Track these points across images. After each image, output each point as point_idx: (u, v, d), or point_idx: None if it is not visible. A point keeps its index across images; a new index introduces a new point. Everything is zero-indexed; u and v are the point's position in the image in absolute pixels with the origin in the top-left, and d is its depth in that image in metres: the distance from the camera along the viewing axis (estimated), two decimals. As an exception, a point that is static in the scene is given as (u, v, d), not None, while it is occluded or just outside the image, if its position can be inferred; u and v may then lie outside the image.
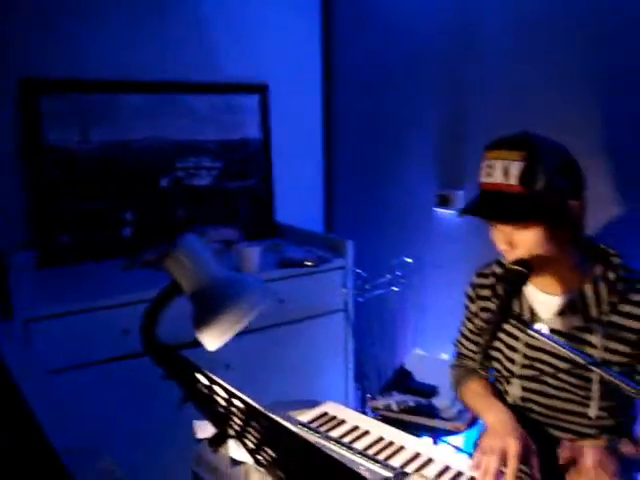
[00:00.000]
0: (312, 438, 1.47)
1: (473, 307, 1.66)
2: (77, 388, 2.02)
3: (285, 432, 0.87)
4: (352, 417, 1.60)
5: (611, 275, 1.40)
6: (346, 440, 1.47)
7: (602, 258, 1.43)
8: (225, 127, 2.82)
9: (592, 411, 1.42)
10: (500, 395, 1.59)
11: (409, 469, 1.35)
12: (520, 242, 1.35)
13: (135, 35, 2.55)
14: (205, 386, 1.06)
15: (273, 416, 0.89)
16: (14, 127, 2.39)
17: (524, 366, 1.49)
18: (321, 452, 0.80)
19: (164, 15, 2.60)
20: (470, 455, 1.43)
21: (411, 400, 2.28)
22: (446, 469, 1.36)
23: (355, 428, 1.54)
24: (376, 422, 1.59)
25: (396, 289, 2.61)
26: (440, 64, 2.55)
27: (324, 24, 3.04)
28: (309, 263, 2.45)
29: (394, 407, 2.25)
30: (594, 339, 1.39)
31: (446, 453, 1.44)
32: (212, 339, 1.09)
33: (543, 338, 1.25)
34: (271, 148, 2.96)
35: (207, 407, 1.12)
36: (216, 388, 1.01)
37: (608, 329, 1.38)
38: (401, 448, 1.45)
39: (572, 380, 1.42)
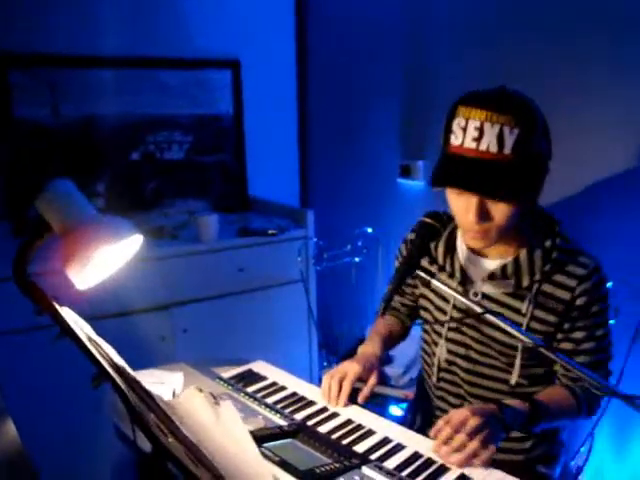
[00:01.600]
0: (221, 390, 1.52)
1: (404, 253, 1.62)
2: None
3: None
4: (276, 375, 1.64)
5: (547, 243, 1.36)
6: (259, 395, 1.52)
7: (547, 227, 1.40)
8: (197, 102, 2.88)
9: (513, 378, 1.42)
10: (427, 354, 1.61)
11: (311, 422, 1.39)
12: (497, 214, 1.26)
13: (105, 9, 2.61)
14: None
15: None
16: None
17: (450, 329, 1.50)
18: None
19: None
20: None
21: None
22: (348, 422, 1.40)
23: (273, 384, 1.59)
24: (299, 381, 1.63)
25: (357, 260, 2.64)
26: (404, 37, 2.55)
27: (296, -1, 3.06)
28: (269, 232, 2.50)
29: (344, 373, 2.29)
30: (523, 307, 1.37)
31: (358, 413, 1.45)
32: (83, 277, 1.12)
33: (448, 290, 1.27)
34: (244, 123, 3.01)
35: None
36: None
37: (538, 297, 1.36)
38: (310, 403, 1.49)
39: (496, 346, 1.42)
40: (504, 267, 1.38)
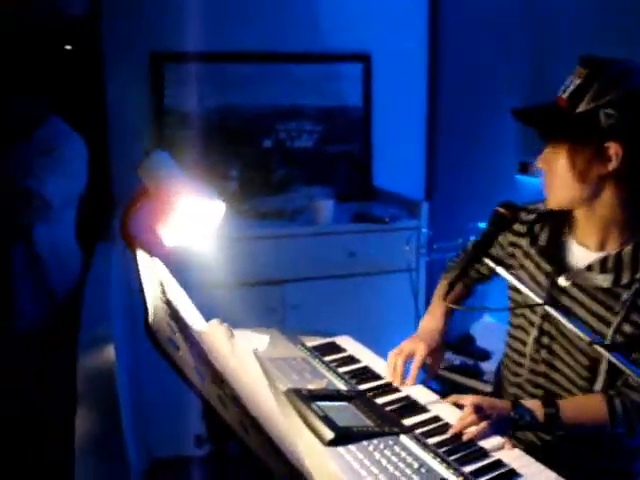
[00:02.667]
0: (299, 355, 1.64)
1: (502, 239, 1.55)
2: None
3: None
4: (355, 349, 1.73)
5: None
6: (332, 364, 1.62)
7: None
8: (327, 94, 3.04)
9: (598, 383, 1.36)
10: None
11: (370, 393, 1.47)
12: (548, 161, 1.33)
13: (245, 9, 2.86)
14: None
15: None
16: (144, 93, 2.86)
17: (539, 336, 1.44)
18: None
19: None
20: None
21: (457, 359, 2.33)
22: (405, 398, 1.45)
23: (349, 357, 1.68)
24: (377, 358, 1.69)
25: (468, 253, 2.62)
26: (531, 37, 2.50)
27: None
28: (380, 219, 2.59)
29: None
30: (617, 305, 1.31)
31: (420, 392, 1.48)
32: (170, 234, 1.29)
33: (514, 281, 1.29)
34: (372, 115, 3.11)
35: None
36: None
37: (637, 299, 1.29)
38: (377, 377, 1.56)
39: (580, 344, 1.35)
40: (604, 260, 1.33)
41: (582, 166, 1.28)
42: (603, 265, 1.33)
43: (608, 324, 1.32)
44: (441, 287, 1.77)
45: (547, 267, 1.42)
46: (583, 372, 1.38)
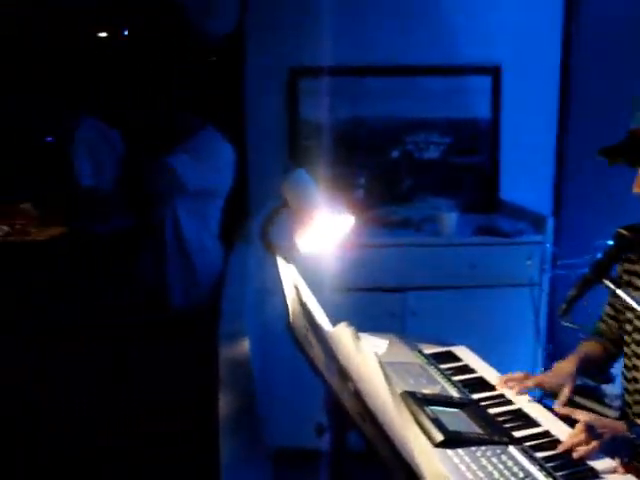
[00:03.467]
0: (416, 361, 1.73)
1: (618, 269, 1.62)
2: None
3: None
4: (471, 360, 1.79)
5: None
6: (447, 372, 1.69)
7: None
8: (455, 106, 3.09)
9: None
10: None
11: (483, 403, 1.53)
12: None
13: (377, 24, 2.99)
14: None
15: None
16: (282, 105, 3.08)
17: None
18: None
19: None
20: None
21: (579, 380, 2.27)
22: (518, 411, 1.50)
23: (464, 366, 1.74)
24: (491, 370, 1.74)
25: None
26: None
27: (567, 2, 3.03)
28: (503, 233, 2.60)
29: (558, 382, 2.28)
30: None
31: (533, 406, 1.52)
32: (305, 243, 1.45)
33: (634, 304, 1.31)
34: (500, 128, 3.11)
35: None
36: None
37: None
38: (491, 387, 1.62)
39: None
40: None
41: None
42: None
43: None
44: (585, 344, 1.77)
45: None
46: None
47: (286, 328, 1.00)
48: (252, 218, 2.82)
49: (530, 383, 1.56)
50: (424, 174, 3.14)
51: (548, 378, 1.60)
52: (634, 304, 1.29)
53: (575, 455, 1.28)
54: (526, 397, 1.56)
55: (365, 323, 1.48)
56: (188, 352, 2.31)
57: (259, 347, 2.39)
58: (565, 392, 1.55)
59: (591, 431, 1.29)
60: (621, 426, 1.33)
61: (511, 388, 1.56)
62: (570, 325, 1.68)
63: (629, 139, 1.33)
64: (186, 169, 2.37)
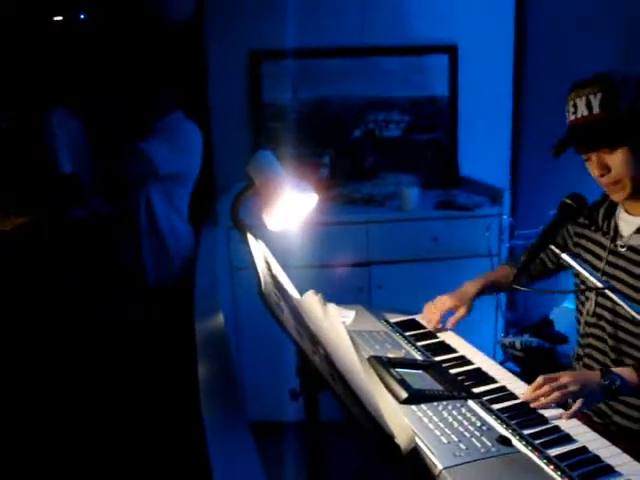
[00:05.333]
0: (382, 329, 1.84)
1: (570, 230, 1.74)
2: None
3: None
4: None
5: None
6: (412, 338, 1.80)
7: None
8: (414, 85, 3.18)
9: None
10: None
11: (445, 364, 1.64)
12: (612, 164, 1.47)
13: (335, 6, 3.04)
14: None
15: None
16: (243, 88, 3.13)
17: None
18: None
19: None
20: None
21: (535, 342, 2.43)
22: (477, 370, 1.61)
23: (427, 333, 1.85)
24: (454, 336, 1.85)
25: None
26: (620, 23, 2.51)
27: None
28: (462, 206, 2.71)
29: (517, 345, 2.44)
30: None
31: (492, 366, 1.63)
32: (272, 220, 1.52)
33: (575, 265, 1.43)
34: (458, 105, 3.22)
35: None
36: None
37: None
38: (452, 350, 1.73)
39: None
40: None
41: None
42: None
43: None
44: (498, 269, 2.00)
45: (604, 240, 1.61)
46: None
47: (258, 295, 1.08)
48: (219, 200, 2.87)
49: (438, 313, 1.84)
50: (386, 152, 3.24)
51: (450, 300, 1.86)
52: (576, 266, 1.41)
53: (534, 404, 1.38)
54: (484, 356, 1.68)
55: (332, 297, 1.54)
56: (165, 330, 2.38)
57: (232, 321, 2.48)
58: (460, 313, 1.85)
59: (550, 383, 1.39)
60: (596, 376, 1.40)
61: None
62: (522, 288, 1.81)
63: (595, 123, 1.44)
64: (158, 154, 2.41)
